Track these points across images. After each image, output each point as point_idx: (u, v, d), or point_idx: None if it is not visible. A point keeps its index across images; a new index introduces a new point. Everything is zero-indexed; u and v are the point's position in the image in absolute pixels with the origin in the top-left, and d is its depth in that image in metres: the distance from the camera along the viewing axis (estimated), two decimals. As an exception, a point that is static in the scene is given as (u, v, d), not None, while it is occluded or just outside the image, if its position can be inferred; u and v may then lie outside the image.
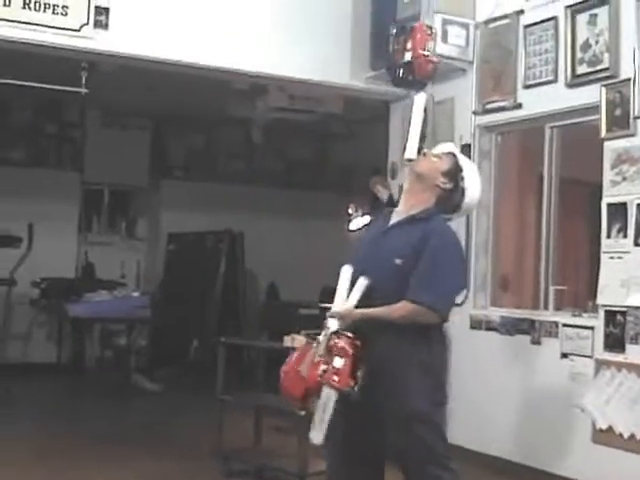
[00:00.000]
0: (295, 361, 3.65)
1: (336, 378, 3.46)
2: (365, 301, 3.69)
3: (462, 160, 3.95)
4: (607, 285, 5.94)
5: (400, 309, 3.60)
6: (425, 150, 4.00)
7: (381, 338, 3.62)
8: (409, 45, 4.03)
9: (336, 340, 3.52)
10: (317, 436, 3.58)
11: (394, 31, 4.12)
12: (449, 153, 3.97)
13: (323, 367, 3.48)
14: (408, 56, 4.03)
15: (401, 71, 4.05)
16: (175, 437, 7.62)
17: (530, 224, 7.35)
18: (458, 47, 7.25)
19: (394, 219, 3.85)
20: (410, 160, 3.95)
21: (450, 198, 3.85)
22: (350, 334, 3.54)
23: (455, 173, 3.86)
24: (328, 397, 3.48)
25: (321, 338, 3.57)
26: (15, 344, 10.72)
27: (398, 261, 3.65)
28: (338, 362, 3.47)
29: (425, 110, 4.14)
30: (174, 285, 11.59)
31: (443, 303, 3.70)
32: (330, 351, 3.51)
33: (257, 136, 11.51)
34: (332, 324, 3.58)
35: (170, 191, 12.37)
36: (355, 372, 3.48)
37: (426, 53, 4.04)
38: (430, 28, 4.12)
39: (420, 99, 4.12)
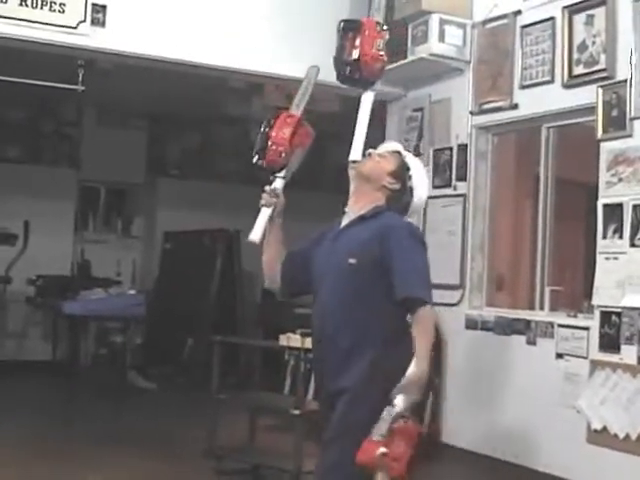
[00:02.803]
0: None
1: (394, 465, 3.22)
2: (326, 308, 3.59)
3: (409, 159, 3.81)
4: (602, 286, 5.95)
5: (424, 326, 3.43)
6: (370, 150, 3.82)
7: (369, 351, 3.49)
8: (357, 42, 3.89)
9: (402, 424, 3.25)
10: None
11: (341, 26, 3.99)
12: (395, 152, 3.82)
13: (382, 450, 3.19)
14: (356, 53, 3.89)
15: (348, 69, 3.92)
16: (170, 436, 7.61)
17: (526, 224, 7.36)
18: (455, 47, 7.29)
19: (344, 221, 3.72)
20: (355, 162, 3.80)
21: (399, 198, 3.71)
22: (413, 419, 3.30)
23: (402, 172, 3.72)
24: None
25: (385, 415, 3.26)
26: (10, 342, 10.72)
27: (352, 260, 3.52)
28: (399, 448, 3.22)
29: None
30: (170, 283, 11.57)
31: (430, 294, 3.53)
32: (393, 434, 3.23)
33: (255, 135, 11.50)
34: (399, 402, 3.28)
35: (166, 189, 12.35)
36: (411, 461, 3.26)
37: (374, 51, 3.88)
38: (380, 24, 3.98)
39: (367, 98, 4.00)
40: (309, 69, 4.00)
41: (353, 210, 3.72)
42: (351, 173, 3.81)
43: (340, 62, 3.94)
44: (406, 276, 3.47)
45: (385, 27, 3.98)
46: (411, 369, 3.33)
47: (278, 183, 3.77)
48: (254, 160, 3.75)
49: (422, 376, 3.36)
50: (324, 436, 3.58)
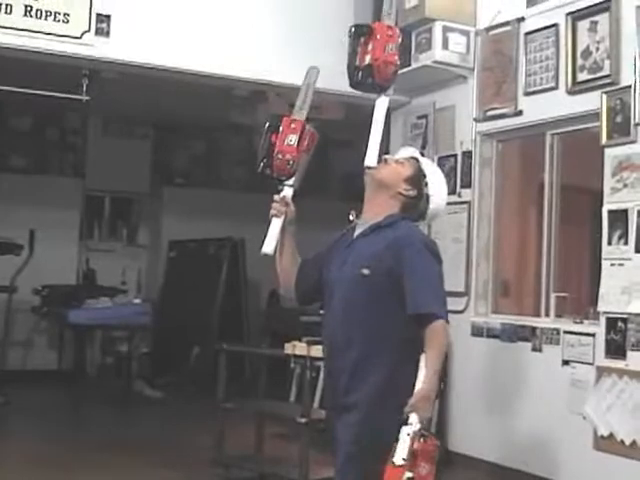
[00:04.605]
0: None
1: None
2: (337, 318, 3.54)
3: (426, 165, 3.74)
4: (608, 292, 5.94)
5: (436, 340, 3.35)
6: (386, 156, 3.77)
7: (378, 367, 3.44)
8: (369, 47, 3.84)
9: (422, 443, 3.16)
10: None
11: (352, 31, 3.94)
12: (411, 158, 3.75)
13: (408, 475, 3.11)
14: (368, 59, 3.84)
15: (360, 74, 3.86)
16: (176, 444, 7.61)
17: (531, 231, 7.35)
18: (459, 54, 7.30)
19: (358, 231, 3.65)
20: (370, 168, 3.71)
21: (415, 206, 3.64)
22: (430, 434, 3.22)
23: (418, 179, 3.64)
24: None
25: (403, 436, 3.16)
26: (16, 351, 10.71)
27: (365, 271, 3.45)
28: (424, 469, 3.15)
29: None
30: (175, 292, 11.58)
31: (444, 309, 3.46)
32: (415, 455, 3.14)
33: (259, 143, 11.49)
34: (414, 420, 3.18)
35: (171, 198, 12.35)
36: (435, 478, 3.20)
37: (387, 55, 3.83)
38: (392, 28, 3.94)
39: (382, 103, 3.93)
40: (308, 70, 3.92)
41: (367, 218, 3.65)
42: (366, 179, 3.73)
43: (352, 68, 3.88)
44: (418, 292, 3.40)
45: (397, 31, 3.94)
46: (421, 384, 3.27)
47: (287, 192, 3.70)
48: (259, 169, 3.66)
49: (433, 392, 3.30)
50: (339, 457, 3.49)
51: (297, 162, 3.67)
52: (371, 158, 3.73)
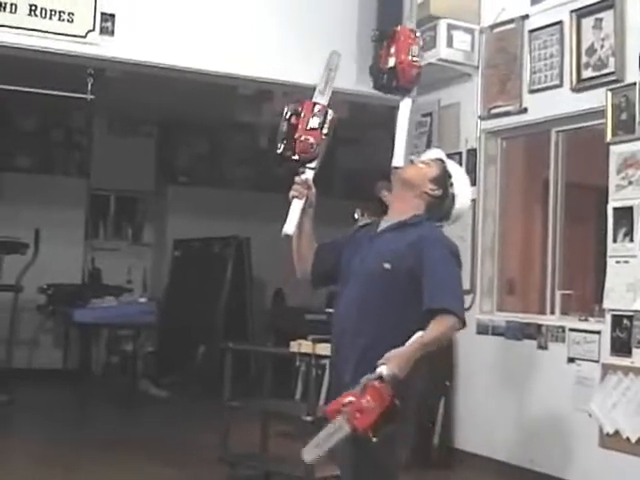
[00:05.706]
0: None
1: (358, 415, 3.18)
2: (351, 309, 3.60)
3: (451, 166, 3.84)
4: (613, 289, 5.93)
5: (442, 325, 3.41)
6: (412, 157, 3.90)
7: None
8: (392, 50, 3.92)
9: (377, 384, 3.23)
10: (308, 456, 3.32)
11: (376, 35, 4.02)
12: (437, 159, 3.85)
13: (350, 398, 3.21)
14: (392, 61, 3.91)
15: (385, 77, 3.94)
16: (182, 443, 7.61)
17: (536, 228, 7.35)
18: (463, 52, 7.29)
19: (382, 225, 3.76)
20: (397, 168, 3.82)
21: (440, 205, 3.75)
22: (391, 389, 3.25)
23: (444, 179, 3.75)
24: (339, 428, 3.21)
25: (363, 380, 3.26)
26: (21, 350, 10.72)
27: (387, 265, 3.54)
28: (368, 403, 3.19)
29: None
30: (180, 291, 11.59)
31: (460, 306, 3.53)
32: (365, 389, 3.22)
33: (264, 141, 11.50)
34: (383, 369, 3.27)
35: (176, 197, 12.36)
36: (379, 426, 3.20)
37: (410, 58, 3.91)
38: (414, 32, 4.01)
39: (405, 105, 4.02)
40: (330, 54, 3.95)
41: (392, 216, 3.75)
42: (393, 179, 3.83)
43: (376, 71, 3.96)
44: (436, 290, 3.47)
45: (418, 34, 4.00)
46: (403, 347, 3.33)
47: (309, 174, 3.78)
48: (279, 150, 3.71)
49: (411, 357, 3.33)
50: (342, 448, 3.48)
51: (320, 145, 3.73)
52: (398, 159, 3.84)
